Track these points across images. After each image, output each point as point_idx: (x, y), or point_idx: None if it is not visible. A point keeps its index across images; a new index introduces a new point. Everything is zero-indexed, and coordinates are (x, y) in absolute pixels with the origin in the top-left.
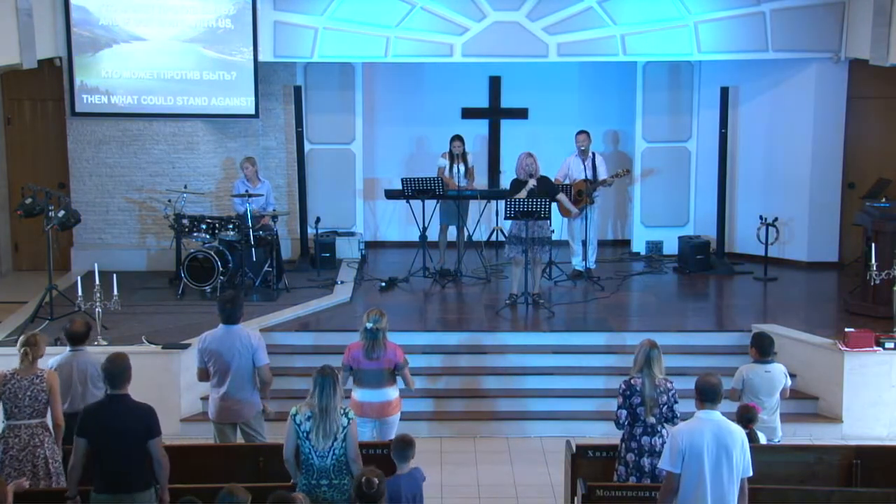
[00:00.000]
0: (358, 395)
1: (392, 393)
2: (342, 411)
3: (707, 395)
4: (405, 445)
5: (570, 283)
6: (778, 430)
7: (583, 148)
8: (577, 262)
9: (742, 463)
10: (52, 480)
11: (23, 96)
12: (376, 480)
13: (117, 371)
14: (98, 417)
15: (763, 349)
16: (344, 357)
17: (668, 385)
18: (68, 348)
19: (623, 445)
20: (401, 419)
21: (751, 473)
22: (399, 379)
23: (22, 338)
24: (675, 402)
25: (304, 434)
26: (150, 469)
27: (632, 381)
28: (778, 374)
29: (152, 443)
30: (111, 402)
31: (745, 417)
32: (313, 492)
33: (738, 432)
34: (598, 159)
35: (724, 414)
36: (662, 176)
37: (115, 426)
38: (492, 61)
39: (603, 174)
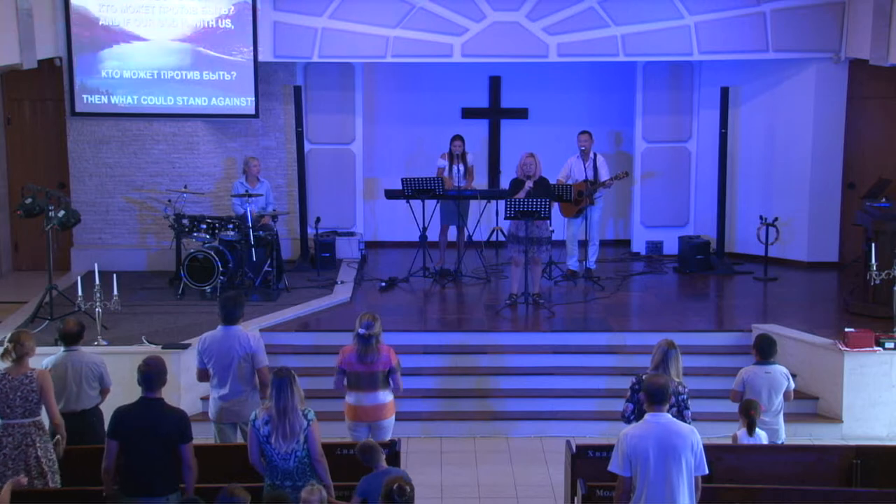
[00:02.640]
0: (351, 398)
1: (385, 397)
2: (303, 412)
3: (655, 396)
4: (368, 452)
5: (566, 283)
6: (781, 432)
7: (583, 148)
8: (572, 263)
9: (694, 462)
10: (45, 479)
11: (23, 96)
12: (408, 488)
13: (153, 374)
14: (132, 420)
15: (764, 351)
16: (338, 359)
17: (680, 389)
18: (62, 348)
19: None
20: (402, 419)
21: (704, 472)
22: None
23: (7, 336)
24: (686, 408)
25: (265, 438)
26: (177, 472)
27: (643, 377)
28: (779, 375)
29: (185, 447)
30: (146, 405)
31: (750, 415)
32: (277, 492)
33: (688, 433)
34: (600, 160)
35: (723, 414)
36: (662, 176)
37: (150, 429)
38: (492, 61)
39: (604, 175)
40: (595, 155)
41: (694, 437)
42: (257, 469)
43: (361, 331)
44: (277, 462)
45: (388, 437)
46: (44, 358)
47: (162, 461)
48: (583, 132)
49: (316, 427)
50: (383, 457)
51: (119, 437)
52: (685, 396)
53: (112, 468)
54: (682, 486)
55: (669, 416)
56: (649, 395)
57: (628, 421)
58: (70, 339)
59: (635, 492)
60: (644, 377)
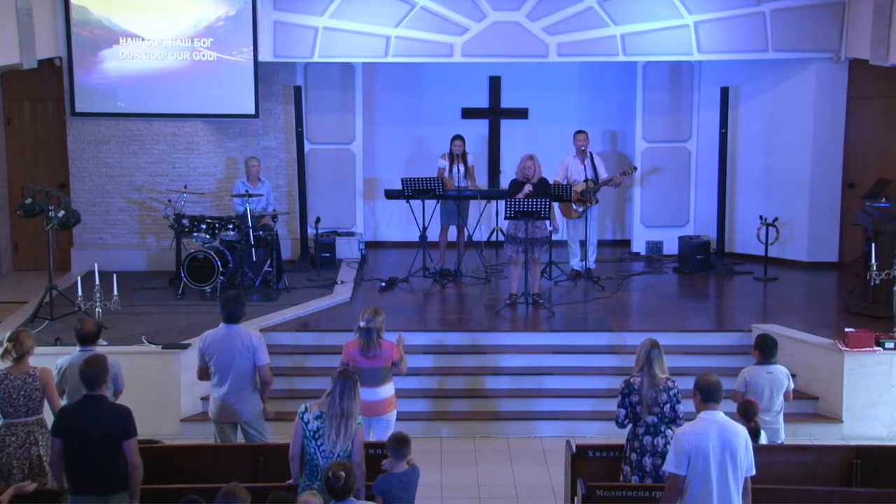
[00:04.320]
0: None
1: (386, 391)
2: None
3: (709, 394)
4: (401, 444)
5: (569, 283)
6: (781, 432)
7: (583, 148)
8: (576, 263)
9: (746, 462)
10: (46, 478)
11: (23, 96)
12: (342, 474)
13: (95, 372)
14: (74, 418)
15: (766, 351)
16: (342, 354)
17: (670, 384)
18: (78, 348)
19: (627, 445)
20: (402, 419)
21: (754, 472)
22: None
23: (6, 335)
24: (678, 402)
25: (311, 433)
26: (124, 471)
27: (631, 381)
28: (780, 375)
29: (128, 444)
30: (88, 403)
31: (750, 412)
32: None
33: (742, 432)
34: (597, 159)
35: (725, 414)
36: (662, 176)
37: (89, 426)
38: (492, 61)
39: (602, 173)
40: (591, 154)
41: (747, 436)
42: (292, 465)
43: (362, 324)
44: (319, 461)
45: (389, 432)
46: (46, 357)
47: (103, 459)
48: (580, 132)
49: (362, 431)
50: (410, 454)
51: (61, 435)
52: (676, 391)
53: (57, 463)
54: (738, 485)
55: (723, 413)
56: (704, 393)
57: (623, 426)
58: (88, 339)
59: (687, 492)
60: (630, 379)
